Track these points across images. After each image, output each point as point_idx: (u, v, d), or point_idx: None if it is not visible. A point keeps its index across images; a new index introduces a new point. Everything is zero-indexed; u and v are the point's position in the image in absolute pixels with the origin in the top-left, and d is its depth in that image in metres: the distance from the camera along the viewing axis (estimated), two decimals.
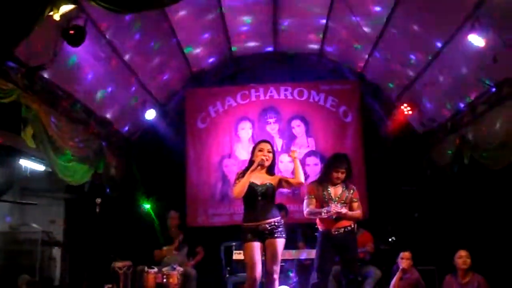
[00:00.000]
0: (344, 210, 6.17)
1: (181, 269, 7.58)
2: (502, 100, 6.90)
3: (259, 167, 5.57)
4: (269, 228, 5.42)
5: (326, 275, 6.35)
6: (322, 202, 6.29)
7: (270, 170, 5.71)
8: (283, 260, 7.45)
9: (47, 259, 8.61)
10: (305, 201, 6.49)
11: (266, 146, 5.70)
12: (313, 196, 6.40)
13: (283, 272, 7.86)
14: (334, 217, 6.14)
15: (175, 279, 7.39)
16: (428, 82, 8.47)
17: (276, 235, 5.41)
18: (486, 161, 7.35)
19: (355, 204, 6.39)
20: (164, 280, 7.37)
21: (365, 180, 9.76)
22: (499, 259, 7.48)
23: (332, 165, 6.45)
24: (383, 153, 9.80)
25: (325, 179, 6.44)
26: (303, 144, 10.19)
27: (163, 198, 9.66)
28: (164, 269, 7.54)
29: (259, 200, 5.50)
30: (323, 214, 6.16)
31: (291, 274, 7.94)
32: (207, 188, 10.16)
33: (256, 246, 5.41)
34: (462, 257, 6.59)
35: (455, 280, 6.68)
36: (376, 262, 7.93)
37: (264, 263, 5.47)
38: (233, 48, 10.18)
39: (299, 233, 8.64)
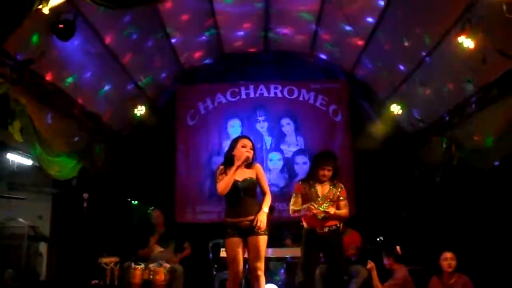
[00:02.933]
0: (332, 210, 6.16)
1: (168, 265, 7.56)
2: (491, 102, 6.94)
3: (243, 164, 5.54)
4: (249, 224, 5.39)
5: (311, 274, 6.34)
6: (309, 200, 6.24)
7: (249, 164, 5.65)
8: (271, 259, 7.47)
9: (33, 254, 8.54)
10: (291, 199, 6.48)
11: (249, 143, 5.65)
12: (299, 195, 6.39)
13: (271, 270, 7.88)
14: (320, 216, 6.14)
15: (162, 275, 7.36)
16: (418, 83, 8.50)
17: (257, 231, 5.38)
18: (474, 162, 7.39)
19: (342, 203, 6.35)
20: (151, 276, 7.34)
21: (353, 179, 9.79)
22: (485, 259, 7.53)
23: (318, 163, 6.41)
24: (372, 153, 9.82)
25: (312, 177, 6.42)
26: (292, 143, 10.22)
27: (152, 194, 9.65)
28: (151, 266, 7.51)
29: (241, 196, 5.47)
30: (302, 211, 6.18)
31: (280, 272, 7.95)
32: (195, 185, 10.16)
33: (238, 242, 5.41)
34: (447, 259, 6.59)
35: (441, 282, 6.70)
36: (363, 261, 7.94)
37: (247, 261, 5.47)
38: (224, 47, 10.17)
39: (286, 232, 8.65)
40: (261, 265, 5.38)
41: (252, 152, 5.62)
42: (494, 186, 7.46)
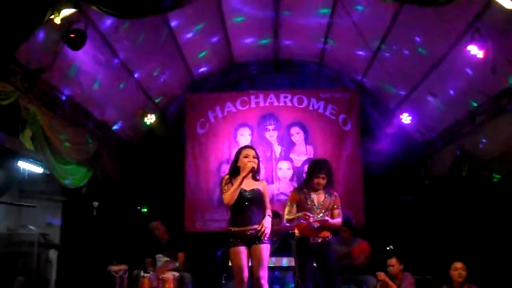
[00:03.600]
0: (330, 220, 6.13)
1: (176, 274, 7.57)
2: (501, 111, 6.92)
3: (249, 174, 5.56)
4: (254, 233, 5.43)
5: (311, 281, 6.29)
6: (305, 209, 6.15)
7: (256, 176, 5.70)
8: (282, 268, 7.46)
9: (43, 261, 8.61)
10: (286, 208, 6.43)
11: (252, 152, 5.68)
12: (294, 204, 6.33)
13: (280, 279, 7.86)
14: (316, 226, 6.10)
15: (170, 283, 7.37)
16: (427, 92, 8.50)
17: (261, 241, 5.41)
18: (485, 171, 7.36)
19: (336, 211, 6.27)
20: (160, 284, 7.35)
21: (363, 188, 9.77)
22: (496, 269, 7.48)
23: (312, 171, 6.33)
24: (382, 162, 9.80)
25: (306, 186, 6.37)
26: (301, 151, 10.19)
27: (161, 202, 9.68)
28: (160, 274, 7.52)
29: (246, 206, 5.50)
30: (296, 219, 6.12)
31: (290, 282, 7.91)
32: (205, 193, 10.15)
33: (242, 250, 5.42)
34: (457, 269, 6.54)
35: None
36: (373, 270, 7.91)
37: (251, 269, 5.47)
38: (234, 56, 10.21)
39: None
40: (264, 273, 5.40)
41: (256, 160, 5.64)
42: (504, 196, 7.42)
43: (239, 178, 5.47)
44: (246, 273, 5.38)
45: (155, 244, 8.24)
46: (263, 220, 5.47)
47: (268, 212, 5.65)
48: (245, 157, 5.62)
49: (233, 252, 5.45)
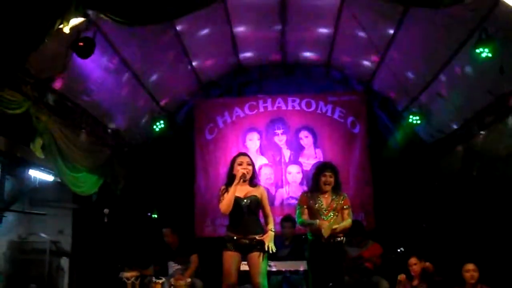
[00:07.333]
0: (337, 228, 6.16)
1: (188, 280, 7.58)
2: (510, 111, 6.90)
3: (241, 181, 5.60)
4: (249, 243, 5.50)
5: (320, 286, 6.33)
6: (314, 212, 6.32)
7: (252, 182, 5.75)
8: (292, 272, 7.45)
9: (55, 269, 8.63)
10: (297, 211, 6.52)
11: (245, 159, 5.75)
12: (305, 206, 6.43)
13: (291, 283, 7.84)
14: (326, 235, 6.13)
15: None
16: (436, 93, 8.48)
17: (256, 249, 5.48)
18: (494, 171, 7.34)
19: (346, 211, 6.37)
20: None
21: (373, 191, 9.77)
22: (508, 270, 7.44)
23: (318, 171, 6.49)
24: (391, 164, 9.79)
25: (315, 188, 6.46)
26: (311, 155, 10.20)
27: (171, 208, 9.71)
28: (172, 280, 7.53)
29: (243, 213, 5.58)
30: (308, 225, 6.24)
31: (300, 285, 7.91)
32: (215, 198, 10.14)
33: (234, 256, 5.51)
34: (469, 271, 6.53)
35: None
36: (384, 272, 7.90)
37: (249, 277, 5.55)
38: (241, 59, 10.23)
39: (306, 245, 8.62)
40: (263, 280, 5.46)
41: (249, 168, 5.70)
42: None
43: (232, 186, 5.53)
44: (232, 279, 5.45)
45: (166, 250, 8.25)
46: (266, 235, 5.53)
47: (270, 219, 5.69)
48: (239, 164, 5.71)
49: (225, 256, 5.55)
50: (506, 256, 7.58)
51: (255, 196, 5.64)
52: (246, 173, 5.63)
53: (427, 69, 8.20)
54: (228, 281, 5.44)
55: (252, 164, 5.79)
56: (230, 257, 5.51)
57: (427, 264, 7.06)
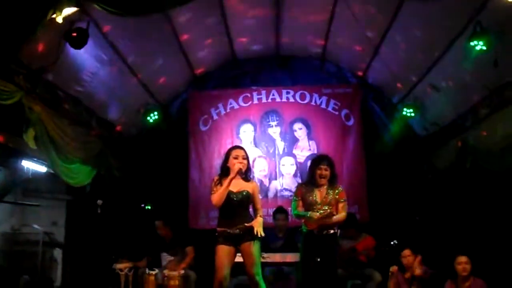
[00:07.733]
0: (333, 217, 6.19)
1: (182, 271, 7.58)
2: (504, 104, 6.91)
3: (237, 175, 5.60)
4: (239, 232, 5.48)
5: (311, 276, 6.33)
6: (308, 205, 6.32)
7: (246, 176, 5.75)
8: (287, 264, 7.47)
9: (48, 260, 8.61)
10: (292, 203, 6.55)
11: (241, 153, 5.73)
12: (299, 198, 6.44)
13: (285, 274, 7.85)
14: (317, 216, 6.15)
15: (175, 281, 7.39)
16: (430, 86, 8.49)
17: (246, 238, 5.47)
18: (488, 165, 7.36)
19: (341, 205, 6.36)
20: (165, 282, 7.37)
21: (366, 183, 9.78)
22: (500, 262, 7.47)
23: (314, 164, 6.49)
24: (385, 156, 9.80)
25: (310, 181, 6.46)
26: (305, 147, 10.19)
27: (165, 200, 9.70)
28: (165, 271, 7.54)
29: (234, 207, 5.58)
30: (306, 217, 6.24)
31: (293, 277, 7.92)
32: (208, 190, 10.11)
33: (227, 249, 5.50)
34: (461, 263, 6.55)
35: (456, 285, 6.66)
36: (377, 265, 7.92)
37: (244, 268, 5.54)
38: (236, 51, 10.19)
39: (300, 236, 8.64)
40: (256, 270, 5.46)
41: (245, 162, 5.69)
42: (508, 189, 7.41)
43: (227, 180, 5.52)
44: (223, 273, 5.43)
45: (160, 242, 8.25)
46: (254, 221, 5.53)
47: (260, 213, 5.68)
48: (235, 158, 5.68)
49: (218, 250, 5.53)
50: (498, 249, 7.61)
51: (247, 191, 5.64)
52: (242, 167, 5.62)
53: (422, 62, 8.19)
54: (220, 275, 5.42)
55: (247, 158, 5.78)
56: (222, 251, 5.49)
57: (419, 257, 7.08)
